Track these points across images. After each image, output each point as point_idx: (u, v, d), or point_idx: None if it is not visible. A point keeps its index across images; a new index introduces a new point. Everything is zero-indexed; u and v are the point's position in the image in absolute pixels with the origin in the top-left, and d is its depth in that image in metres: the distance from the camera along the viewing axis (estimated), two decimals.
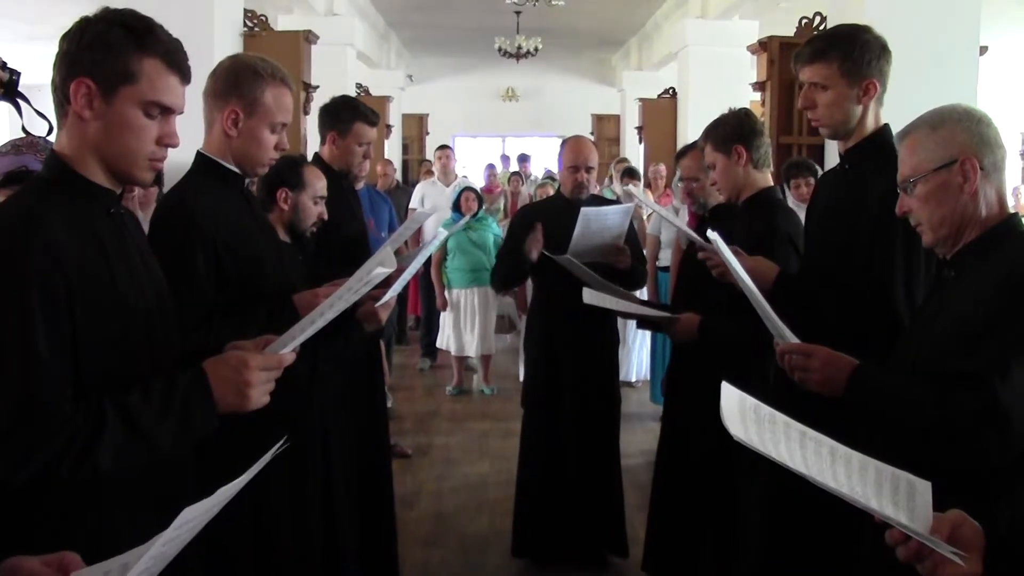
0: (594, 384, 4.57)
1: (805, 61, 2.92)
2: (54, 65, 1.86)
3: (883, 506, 1.55)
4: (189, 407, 1.85)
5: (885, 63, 2.88)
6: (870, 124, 2.89)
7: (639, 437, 6.91)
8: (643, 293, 6.67)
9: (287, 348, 2.02)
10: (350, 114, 4.02)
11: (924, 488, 1.60)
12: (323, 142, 4.09)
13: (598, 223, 4.22)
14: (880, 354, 2.30)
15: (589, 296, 3.80)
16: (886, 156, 2.73)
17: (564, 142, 4.70)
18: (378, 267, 2.27)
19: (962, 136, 2.11)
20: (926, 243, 2.22)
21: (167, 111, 1.92)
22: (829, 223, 2.98)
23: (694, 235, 3.48)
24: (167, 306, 2.06)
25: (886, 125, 2.89)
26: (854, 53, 2.83)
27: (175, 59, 1.91)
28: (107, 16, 1.87)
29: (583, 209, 4.18)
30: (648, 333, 7.77)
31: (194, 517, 1.40)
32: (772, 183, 3.63)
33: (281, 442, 1.73)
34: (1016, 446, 1.91)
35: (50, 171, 1.91)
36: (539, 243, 4.33)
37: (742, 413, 1.67)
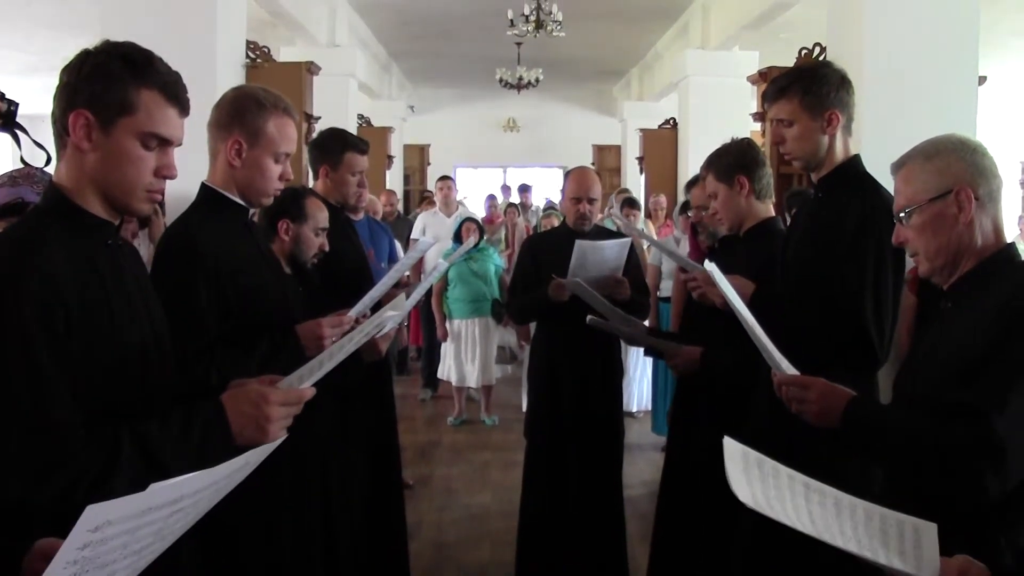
0: (598, 414, 4.55)
1: (770, 100, 3.07)
2: (54, 97, 1.87)
3: (891, 559, 1.54)
4: (207, 440, 1.86)
5: (845, 93, 2.99)
6: (839, 153, 3.00)
7: (640, 468, 6.88)
8: (644, 322, 6.66)
9: (305, 383, 2.02)
10: (340, 145, 4.04)
11: (929, 531, 1.59)
12: (316, 177, 4.11)
13: (595, 256, 4.22)
14: (848, 366, 2.30)
15: (592, 320, 3.80)
16: (858, 183, 2.94)
17: (568, 173, 4.73)
18: (391, 311, 2.26)
19: (957, 166, 2.11)
20: (922, 273, 2.22)
21: (165, 143, 1.92)
22: (804, 247, 3.06)
23: (680, 255, 3.50)
24: (164, 338, 2.06)
25: (856, 155, 3.02)
26: (812, 87, 2.96)
27: (174, 91, 1.92)
28: (107, 48, 1.88)
29: (578, 242, 4.18)
30: (649, 363, 7.76)
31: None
32: (774, 213, 3.64)
33: (279, 440, 1.75)
34: (1014, 478, 1.89)
35: (48, 202, 1.91)
36: (564, 289, 4.27)
37: (747, 471, 1.65)
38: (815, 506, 1.62)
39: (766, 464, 1.69)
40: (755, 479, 1.64)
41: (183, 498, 1.43)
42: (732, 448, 1.69)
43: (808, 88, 2.96)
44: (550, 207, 10.75)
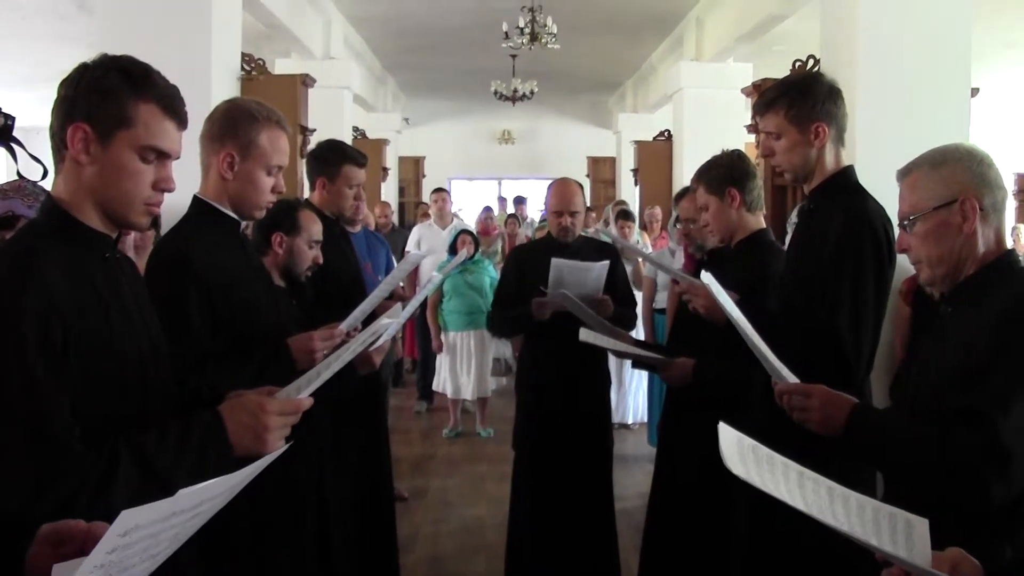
0: (586, 425, 4.55)
1: (759, 112, 3.08)
2: (52, 111, 1.87)
3: (882, 543, 1.54)
4: (205, 450, 1.86)
5: (833, 105, 2.98)
6: (830, 164, 2.99)
7: (636, 479, 6.87)
8: (640, 335, 6.65)
9: (302, 393, 2.02)
10: (338, 157, 4.04)
11: (921, 525, 1.59)
12: (312, 188, 4.10)
13: (572, 276, 4.21)
14: (824, 381, 2.31)
15: (585, 335, 3.79)
16: (844, 195, 2.92)
17: (549, 186, 4.71)
18: (387, 319, 2.26)
19: (963, 176, 2.12)
20: (923, 280, 2.23)
21: (163, 156, 1.93)
22: (793, 259, 3.08)
23: (673, 270, 3.50)
24: (161, 351, 2.06)
25: (849, 166, 3.01)
26: (799, 100, 2.96)
27: (172, 104, 1.93)
28: (105, 62, 1.89)
29: (554, 261, 4.18)
30: (645, 375, 7.75)
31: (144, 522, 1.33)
32: (765, 225, 3.64)
33: (285, 446, 1.77)
34: (1018, 484, 1.90)
35: (46, 216, 1.91)
36: (546, 306, 4.30)
37: (741, 453, 1.65)
38: (809, 492, 1.62)
39: (761, 450, 1.69)
40: (750, 462, 1.64)
41: (204, 502, 1.43)
42: (727, 432, 1.68)
43: (794, 101, 2.96)
44: (545, 219, 10.77)
